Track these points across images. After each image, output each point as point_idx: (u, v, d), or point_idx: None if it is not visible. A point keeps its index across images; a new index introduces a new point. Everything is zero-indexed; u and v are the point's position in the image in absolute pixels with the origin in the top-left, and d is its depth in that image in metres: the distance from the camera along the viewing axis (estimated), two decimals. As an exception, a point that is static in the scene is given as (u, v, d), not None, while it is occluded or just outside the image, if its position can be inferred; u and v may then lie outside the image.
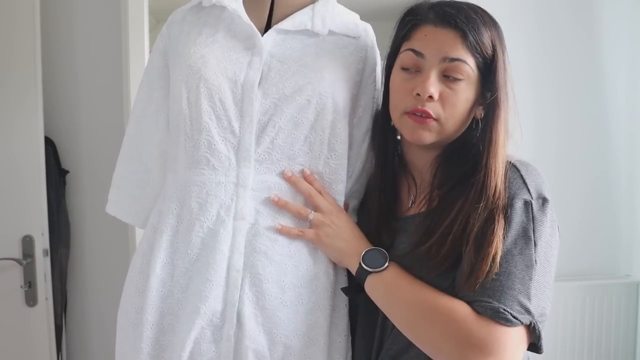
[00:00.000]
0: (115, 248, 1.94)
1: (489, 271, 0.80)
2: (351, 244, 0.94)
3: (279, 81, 0.96)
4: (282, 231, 0.95)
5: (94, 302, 2.00)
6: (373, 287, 0.90)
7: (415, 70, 0.90)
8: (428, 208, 0.92)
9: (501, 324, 0.78)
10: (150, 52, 1.62)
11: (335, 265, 0.99)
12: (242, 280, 0.92)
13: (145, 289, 0.95)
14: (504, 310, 0.78)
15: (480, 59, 0.88)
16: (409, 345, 0.88)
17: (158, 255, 0.96)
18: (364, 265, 0.91)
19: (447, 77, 0.88)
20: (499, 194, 0.84)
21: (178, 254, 0.95)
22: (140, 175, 1.08)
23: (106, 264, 1.98)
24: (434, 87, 0.87)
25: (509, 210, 0.83)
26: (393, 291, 0.88)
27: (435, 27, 0.89)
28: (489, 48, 0.88)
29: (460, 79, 0.87)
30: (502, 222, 0.82)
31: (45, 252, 1.82)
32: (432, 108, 0.88)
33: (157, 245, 0.96)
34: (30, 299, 1.80)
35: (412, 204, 0.98)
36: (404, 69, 0.92)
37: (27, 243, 1.79)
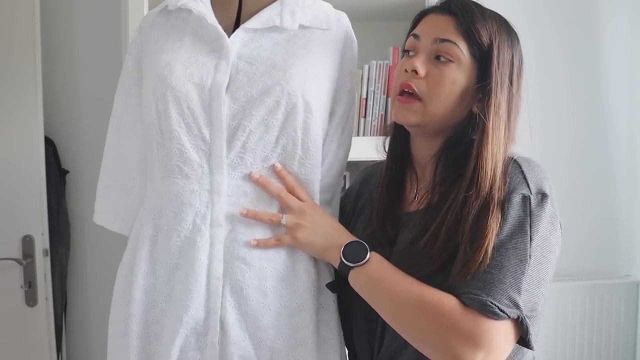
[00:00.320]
0: (115, 248, 1.94)
1: (481, 262, 0.80)
2: (329, 239, 0.93)
3: (246, 84, 0.93)
4: (258, 245, 0.93)
5: (94, 302, 2.00)
6: (356, 280, 0.90)
7: (414, 53, 0.94)
8: (428, 204, 0.92)
9: (488, 317, 0.78)
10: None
11: (316, 263, 0.98)
12: (222, 288, 0.92)
13: (130, 299, 0.96)
14: (492, 303, 0.78)
15: (475, 47, 0.89)
16: (407, 342, 0.88)
17: (140, 266, 0.96)
18: (344, 260, 0.90)
19: (438, 59, 0.90)
20: (496, 185, 0.84)
21: (159, 263, 0.95)
22: (123, 183, 1.07)
23: (106, 264, 1.98)
24: (419, 62, 0.90)
25: (507, 204, 0.83)
26: (377, 284, 0.88)
27: (436, 14, 0.94)
28: (485, 38, 0.89)
29: (449, 61, 0.89)
30: (497, 214, 0.83)
31: (45, 252, 1.82)
32: (416, 84, 0.90)
33: (138, 255, 0.97)
34: (30, 299, 1.80)
35: (414, 200, 0.99)
36: (405, 51, 0.96)
37: (27, 243, 1.79)
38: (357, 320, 1.00)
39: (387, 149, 1.05)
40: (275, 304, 0.93)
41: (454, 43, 0.89)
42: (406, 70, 0.92)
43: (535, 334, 0.83)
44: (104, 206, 1.11)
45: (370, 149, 1.71)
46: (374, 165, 1.12)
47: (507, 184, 0.85)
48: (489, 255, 0.81)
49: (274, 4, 1.01)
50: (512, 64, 0.92)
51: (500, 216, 0.83)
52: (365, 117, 1.77)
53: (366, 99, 1.77)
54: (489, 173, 0.85)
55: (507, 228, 0.82)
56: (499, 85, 0.88)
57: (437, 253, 0.86)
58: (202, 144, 0.93)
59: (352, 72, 1.06)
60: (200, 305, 0.92)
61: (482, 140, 0.87)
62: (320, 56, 0.99)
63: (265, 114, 0.93)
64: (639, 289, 2.09)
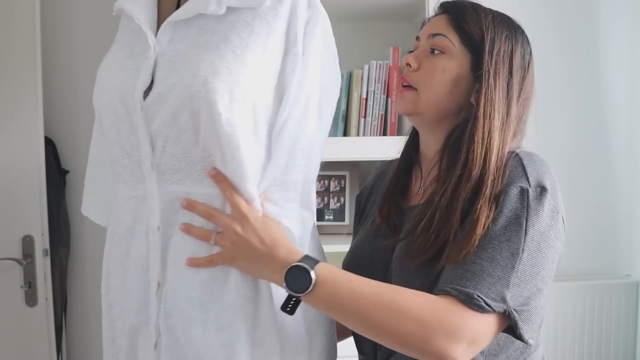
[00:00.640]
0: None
1: (470, 249, 0.81)
2: (264, 264, 0.83)
3: (159, 84, 0.86)
4: (192, 265, 0.86)
5: (94, 302, 2.00)
6: (313, 305, 0.84)
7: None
8: (429, 196, 0.93)
9: (474, 309, 0.78)
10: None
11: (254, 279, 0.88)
12: (158, 295, 0.89)
13: (102, 294, 0.98)
14: (478, 296, 0.78)
15: (466, 38, 0.93)
16: None
17: (105, 263, 0.97)
18: (290, 292, 0.82)
19: (432, 52, 0.95)
20: (489, 172, 0.85)
21: (115, 263, 0.95)
22: (105, 178, 1.05)
23: (106, 264, 1.98)
24: (412, 56, 0.96)
25: (503, 196, 0.83)
26: (337, 304, 0.81)
27: (434, 16, 0.99)
28: (476, 28, 0.92)
29: (441, 52, 0.94)
30: (491, 203, 0.83)
31: (45, 252, 1.82)
32: (410, 76, 0.96)
33: (105, 253, 0.98)
34: (30, 299, 1.80)
35: (418, 194, 1.00)
36: (410, 52, 1.00)
37: (27, 243, 1.79)
38: None
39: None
40: (202, 317, 0.86)
41: (445, 36, 0.94)
42: (404, 66, 0.98)
43: (533, 329, 0.83)
44: (89, 199, 1.12)
45: (370, 148, 1.72)
46: (390, 162, 1.13)
47: (506, 176, 0.85)
48: (477, 242, 0.80)
49: None
50: (511, 55, 0.92)
51: (494, 206, 0.82)
52: (365, 117, 1.78)
53: (366, 99, 1.77)
54: (478, 158, 0.86)
55: (502, 220, 0.81)
56: (491, 74, 0.90)
57: (431, 241, 0.85)
58: (133, 150, 0.90)
59: (310, 49, 0.90)
60: (141, 309, 0.90)
61: (473, 124, 0.89)
62: (243, 42, 0.86)
63: (174, 116, 0.85)
64: (639, 289, 2.09)
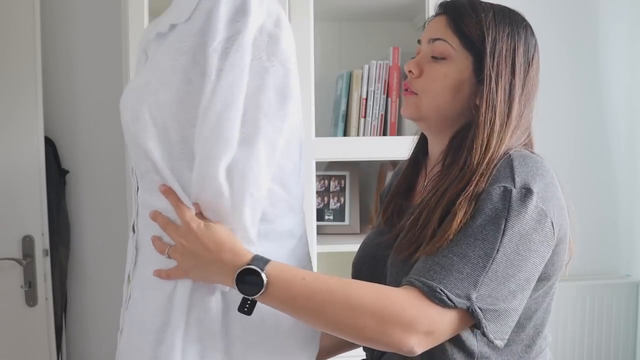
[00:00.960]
0: (115, 248, 1.94)
1: (442, 245, 0.81)
2: (214, 271, 0.82)
3: None
4: (156, 276, 0.85)
5: (94, 302, 2.00)
6: (267, 304, 0.82)
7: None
8: (422, 198, 0.94)
9: (435, 302, 0.78)
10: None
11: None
12: (126, 288, 0.91)
13: None
14: (441, 290, 0.78)
15: (467, 41, 0.91)
16: None
17: None
18: (244, 295, 0.81)
19: (434, 58, 0.94)
20: (478, 174, 0.85)
21: None
22: None
23: (106, 264, 1.98)
24: (413, 63, 0.96)
25: (485, 195, 0.82)
26: (292, 303, 0.81)
27: (434, 17, 0.98)
28: (476, 30, 0.91)
29: (442, 57, 0.93)
30: (471, 200, 0.82)
31: (45, 252, 1.82)
32: (413, 83, 0.96)
33: None
34: (30, 299, 1.80)
35: (420, 194, 1.01)
36: (413, 57, 1.00)
37: (27, 243, 1.80)
38: None
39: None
40: (135, 320, 0.87)
41: (444, 40, 0.93)
42: (407, 73, 0.97)
43: (502, 330, 0.81)
44: None
45: (370, 148, 1.72)
46: (406, 161, 1.14)
47: (492, 176, 0.84)
48: (451, 237, 0.81)
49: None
50: (514, 54, 0.91)
51: (475, 204, 0.82)
52: (365, 117, 1.78)
53: (366, 99, 1.77)
54: (475, 162, 0.86)
55: (481, 218, 0.81)
56: (493, 77, 0.89)
57: (415, 237, 0.86)
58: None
59: (227, 66, 0.80)
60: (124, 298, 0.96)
61: (475, 131, 0.88)
62: (159, 63, 0.84)
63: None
64: (639, 289, 2.09)
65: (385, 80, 1.77)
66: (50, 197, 1.85)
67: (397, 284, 0.84)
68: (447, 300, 0.77)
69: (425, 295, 0.78)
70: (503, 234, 0.79)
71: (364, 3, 1.83)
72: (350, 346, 1.09)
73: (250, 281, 0.79)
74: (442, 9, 0.97)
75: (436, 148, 0.98)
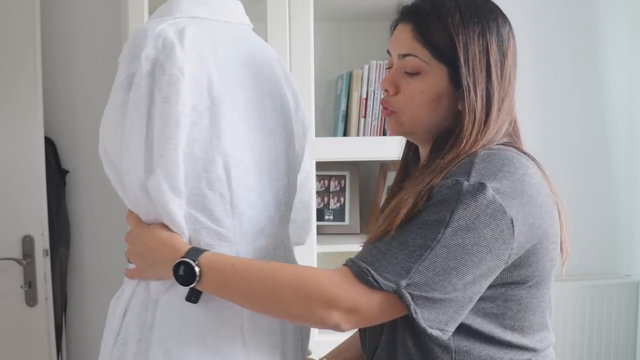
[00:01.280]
0: (115, 248, 1.94)
1: (388, 228, 0.83)
2: (160, 267, 0.89)
3: None
4: (126, 276, 0.96)
5: (94, 302, 2.00)
6: (206, 292, 0.88)
7: (390, 67, 0.96)
8: None
9: (362, 283, 0.80)
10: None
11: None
12: None
13: None
14: (368, 271, 0.80)
15: (437, 52, 0.89)
16: (381, 334, 0.92)
17: None
18: (182, 285, 0.86)
19: (407, 73, 0.92)
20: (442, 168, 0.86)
21: None
22: None
23: (106, 264, 1.98)
24: (387, 81, 0.94)
25: (437, 188, 0.82)
26: (224, 289, 0.86)
27: (400, 24, 0.94)
28: (445, 39, 0.88)
29: (416, 73, 0.90)
30: (424, 192, 0.83)
31: (45, 252, 1.82)
32: (390, 101, 0.94)
33: None
34: (30, 299, 1.81)
35: None
36: (387, 69, 0.98)
37: (27, 243, 1.80)
38: None
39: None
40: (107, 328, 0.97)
41: (415, 56, 0.90)
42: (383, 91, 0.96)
43: (440, 320, 0.80)
44: None
45: (370, 148, 1.72)
46: None
47: (450, 171, 0.84)
48: (396, 224, 0.82)
49: None
50: (487, 55, 0.88)
51: (427, 195, 0.83)
52: (365, 117, 1.78)
53: (366, 99, 1.77)
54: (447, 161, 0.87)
55: (428, 209, 0.81)
56: (471, 87, 0.87)
57: (380, 229, 0.87)
58: None
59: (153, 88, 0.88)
60: None
61: (455, 141, 0.88)
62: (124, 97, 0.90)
63: None
64: (639, 289, 2.09)
65: (385, 80, 1.77)
66: (50, 197, 1.85)
67: None
68: (372, 281, 0.79)
69: (354, 274, 0.81)
70: (447, 225, 0.79)
71: (364, 3, 1.84)
72: None
73: (185, 272, 0.85)
74: (405, 16, 0.93)
75: (425, 152, 0.98)
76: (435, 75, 0.90)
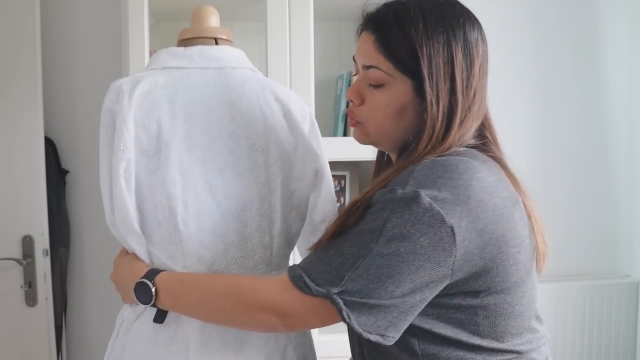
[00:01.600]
0: (115, 248, 1.94)
1: (324, 237, 0.86)
2: (125, 289, 0.99)
3: None
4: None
5: (94, 302, 2.01)
6: (167, 309, 0.94)
7: (357, 75, 0.96)
8: None
9: (297, 288, 0.82)
10: (151, 51, 1.62)
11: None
12: None
13: None
14: (301, 276, 0.82)
15: (400, 63, 0.87)
16: None
17: None
18: (143, 305, 0.94)
19: (371, 84, 0.91)
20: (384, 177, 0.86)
21: None
22: None
23: (106, 264, 1.98)
24: (351, 92, 0.93)
25: (375, 197, 0.83)
26: (177, 304, 0.92)
27: (362, 32, 0.93)
28: (407, 50, 0.86)
29: (379, 85, 0.89)
30: (363, 201, 0.84)
31: (45, 252, 1.82)
32: (355, 111, 0.94)
33: None
34: (30, 299, 1.81)
35: None
36: (354, 75, 0.97)
37: (27, 243, 1.80)
38: None
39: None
40: None
41: (378, 68, 0.88)
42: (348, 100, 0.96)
43: (378, 325, 0.80)
44: None
45: (370, 148, 1.71)
46: None
47: (391, 181, 0.84)
48: (332, 232, 0.84)
49: None
50: (452, 66, 0.86)
51: (366, 204, 0.83)
52: (365, 117, 1.78)
53: (366, 99, 1.77)
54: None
55: (365, 218, 0.82)
56: (434, 102, 0.86)
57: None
58: None
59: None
60: None
61: (412, 148, 0.88)
62: None
63: None
64: (639, 289, 2.09)
65: (385, 80, 1.77)
66: (50, 197, 1.85)
67: None
68: (304, 286, 0.81)
69: (290, 280, 0.83)
70: (380, 234, 0.79)
71: (364, 3, 1.83)
72: None
73: (142, 291, 0.92)
74: (368, 26, 0.91)
75: (394, 159, 0.98)
76: (399, 88, 0.88)
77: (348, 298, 0.79)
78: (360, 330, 0.79)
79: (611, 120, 2.17)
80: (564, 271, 2.09)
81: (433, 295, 0.82)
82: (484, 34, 0.91)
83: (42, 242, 1.81)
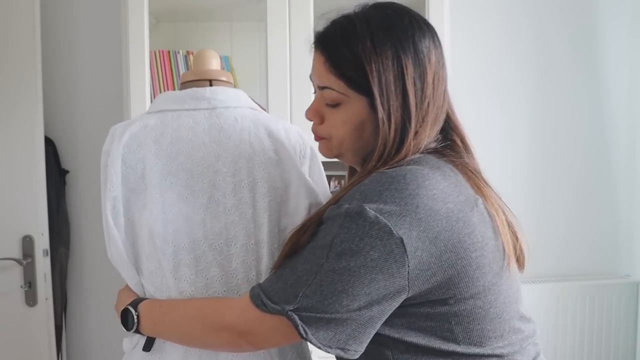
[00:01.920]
0: (115, 248, 1.94)
1: (280, 256, 0.89)
2: (118, 314, 1.02)
3: None
4: None
5: (94, 302, 2.01)
6: (151, 335, 0.98)
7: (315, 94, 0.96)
8: None
9: (256, 307, 0.84)
10: (151, 51, 1.62)
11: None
12: None
13: None
14: (259, 296, 0.84)
15: (352, 82, 0.87)
16: None
17: None
18: (128, 331, 0.98)
19: (328, 104, 0.91)
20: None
21: None
22: None
23: (106, 264, 1.97)
24: (310, 112, 0.94)
25: (326, 213, 0.84)
26: (156, 330, 0.96)
27: (314, 50, 0.92)
28: (356, 69, 0.86)
29: (336, 104, 0.90)
30: (316, 218, 0.85)
31: (45, 252, 1.82)
32: (317, 129, 0.95)
33: None
34: (30, 299, 1.81)
35: None
36: (314, 93, 0.96)
37: (27, 243, 1.80)
38: None
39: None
40: None
41: (331, 89, 0.88)
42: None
43: (336, 339, 0.81)
44: None
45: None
46: None
47: (342, 197, 0.84)
48: (286, 250, 0.87)
49: None
50: (403, 79, 0.86)
51: (318, 223, 0.84)
52: (365, 117, 1.77)
53: (366, 99, 1.77)
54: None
55: (317, 235, 0.83)
56: (384, 117, 0.86)
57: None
58: None
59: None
60: None
61: (366, 165, 0.88)
62: None
63: None
64: (639, 289, 2.09)
65: (385, 80, 1.77)
66: (50, 197, 1.85)
67: None
68: (262, 305, 0.83)
69: (251, 299, 0.86)
70: (330, 250, 0.80)
71: (363, 3, 1.83)
72: None
73: (126, 318, 0.96)
74: (318, 45, 0.91)
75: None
76: (355, 105, 0.88)
77: (304, 314, 0.80)
78: (319, 345, 0.81)
79: (612, 121, 2.17)
80: (565, 271, 2.09)
81: (394, 307, 0.82)
82: (437, 39, 0.90)
83: (42, 242, 1.81)
